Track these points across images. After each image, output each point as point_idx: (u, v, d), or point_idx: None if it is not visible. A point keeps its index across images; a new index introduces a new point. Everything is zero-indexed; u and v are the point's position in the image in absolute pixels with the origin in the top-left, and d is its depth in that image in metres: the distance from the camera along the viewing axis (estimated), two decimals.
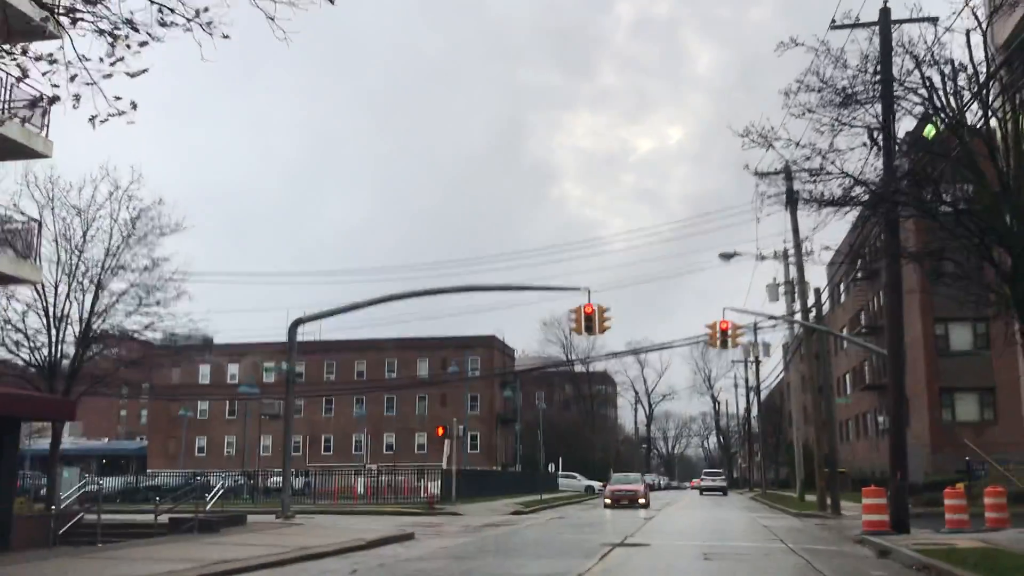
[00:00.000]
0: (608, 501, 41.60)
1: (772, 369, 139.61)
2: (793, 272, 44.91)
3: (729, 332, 31.00)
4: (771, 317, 37.12)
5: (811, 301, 37.32)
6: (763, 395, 78.80)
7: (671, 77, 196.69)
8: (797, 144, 17.81)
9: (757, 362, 70.31)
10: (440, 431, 38.49)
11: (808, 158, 17.70)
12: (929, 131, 17.38)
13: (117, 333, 25.99)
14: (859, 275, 54.72)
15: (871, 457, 56.62)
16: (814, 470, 50.35)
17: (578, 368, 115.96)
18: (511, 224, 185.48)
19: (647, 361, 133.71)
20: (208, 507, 21.97)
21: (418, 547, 19.25)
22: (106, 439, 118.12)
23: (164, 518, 21.29)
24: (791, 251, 41.26)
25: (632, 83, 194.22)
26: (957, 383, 41.15)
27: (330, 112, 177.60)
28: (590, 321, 27.67)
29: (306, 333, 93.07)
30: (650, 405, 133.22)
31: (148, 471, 72.41)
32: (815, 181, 17.69)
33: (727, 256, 36.13)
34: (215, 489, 22.81)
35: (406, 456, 77.17)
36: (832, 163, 17.49)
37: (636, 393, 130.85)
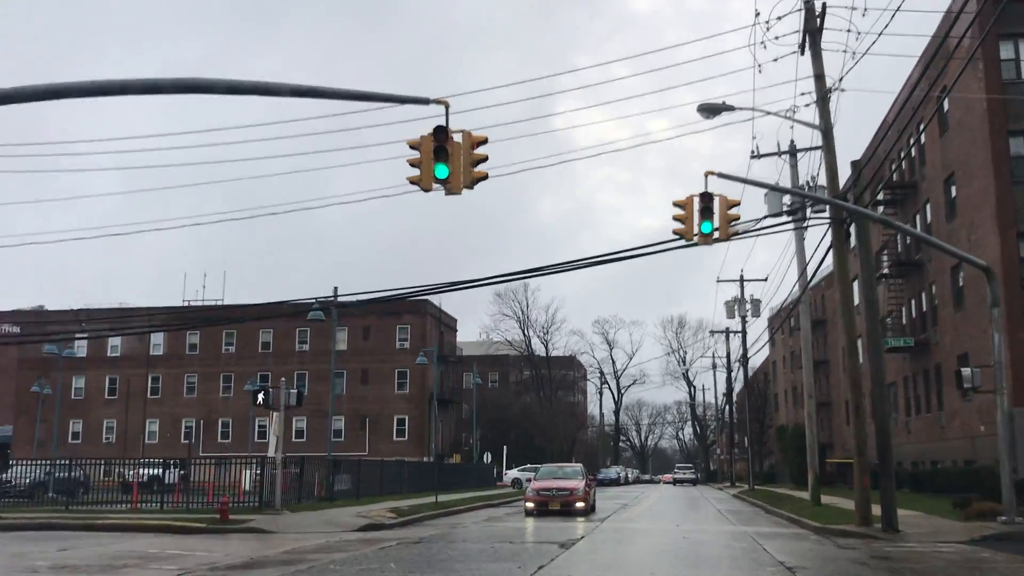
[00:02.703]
0: (530, 506, 27.93)
1: (754, 342, 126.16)
2: (806, 171, 31.36)
3: (716, 210, 17.18)
4: (784, 191, 23.41)
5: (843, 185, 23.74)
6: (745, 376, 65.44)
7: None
8: None
9: (743, 328, 56.98)
10: (259, 401, 24.47)
11: None
12: None
13: None
14: (880, 197, 41.18)
15: (895, 441, 43.12)
16: (810, 461, 37.09)
17: (537, 350, 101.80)
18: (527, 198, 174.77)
19: (616, 341, 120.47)
20: None
21: None
22: (10, 427, 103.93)
23: None
24: (795, 132, 27.61)
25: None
26: None
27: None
28: (444, 156, 13.71)
29: (207, 299, 78.83)
30: (619, 389, 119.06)
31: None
32: None
33: (712, 110, 22.20)
34: None
35: (317, 445, 62.97)
36: None
37: (603, 375, 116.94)
